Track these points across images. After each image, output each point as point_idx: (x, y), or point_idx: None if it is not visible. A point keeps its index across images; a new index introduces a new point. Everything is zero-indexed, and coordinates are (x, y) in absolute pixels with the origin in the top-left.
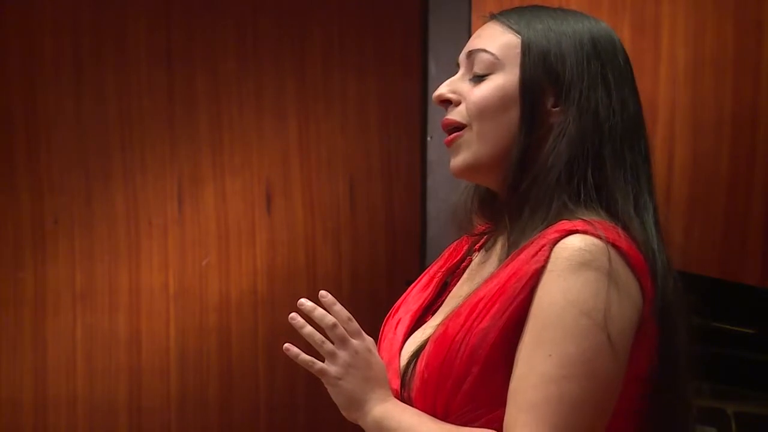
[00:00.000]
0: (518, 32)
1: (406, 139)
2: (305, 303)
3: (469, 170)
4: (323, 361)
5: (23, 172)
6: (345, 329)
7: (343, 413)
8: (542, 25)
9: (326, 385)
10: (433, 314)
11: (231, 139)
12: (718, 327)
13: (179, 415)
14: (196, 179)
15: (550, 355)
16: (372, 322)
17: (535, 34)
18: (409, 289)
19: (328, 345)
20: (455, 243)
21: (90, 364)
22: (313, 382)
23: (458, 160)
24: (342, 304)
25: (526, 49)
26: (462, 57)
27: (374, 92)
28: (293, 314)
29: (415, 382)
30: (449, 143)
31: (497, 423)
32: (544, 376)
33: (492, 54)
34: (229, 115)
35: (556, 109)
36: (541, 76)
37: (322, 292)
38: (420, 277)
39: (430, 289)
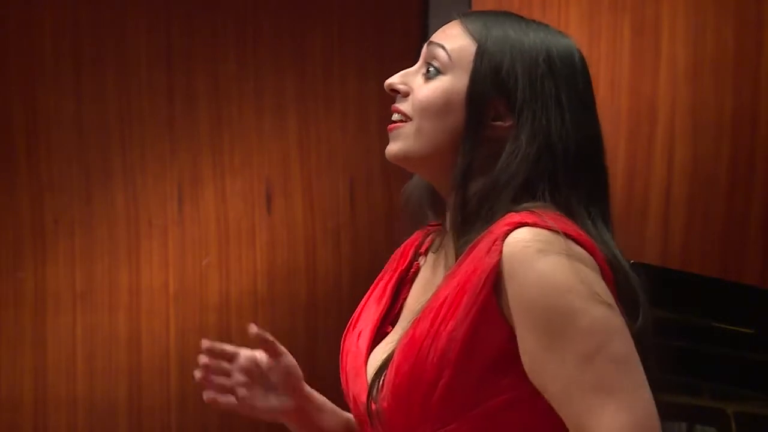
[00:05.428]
0: (476, 39)
1: None
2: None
3: (401, 160)
4: None
5: (23, 172)
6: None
7: None
8: (501, 36)
9: None
10: (391, 324)
11: (231, 139)
12: (718, 327)
13: (179, 415)
14: (196, 179)
15: (565, 359)
16: None
17: (491, 45)
18: (364, 300)
19: None
20: (401, 248)
21: (90, 364)
22: (313, 382)
23: (393, 148)
24: (342, 304)
25: (479, 59)
26: (424, 47)
27: (374, 92)
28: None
29: (386, 393)
30: (390, 131)
31: (474, 422)
32: (577, 379)
33: (447, 54)
34: (229, 115)
35: (501, 123)
36: (489, 88)
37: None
38: (372, 286)
39: (385, 298)
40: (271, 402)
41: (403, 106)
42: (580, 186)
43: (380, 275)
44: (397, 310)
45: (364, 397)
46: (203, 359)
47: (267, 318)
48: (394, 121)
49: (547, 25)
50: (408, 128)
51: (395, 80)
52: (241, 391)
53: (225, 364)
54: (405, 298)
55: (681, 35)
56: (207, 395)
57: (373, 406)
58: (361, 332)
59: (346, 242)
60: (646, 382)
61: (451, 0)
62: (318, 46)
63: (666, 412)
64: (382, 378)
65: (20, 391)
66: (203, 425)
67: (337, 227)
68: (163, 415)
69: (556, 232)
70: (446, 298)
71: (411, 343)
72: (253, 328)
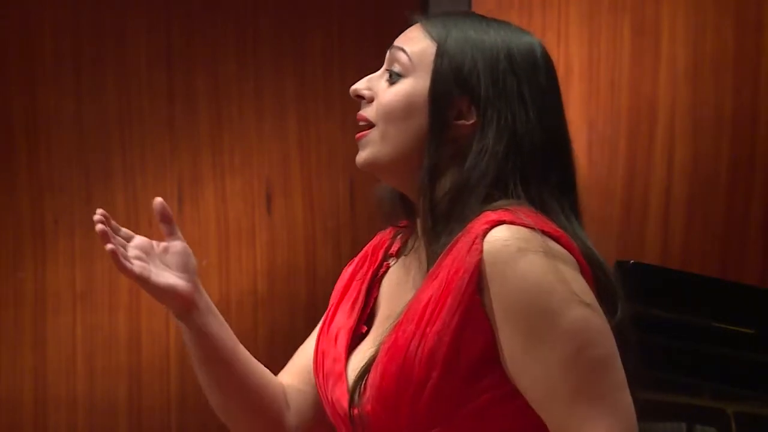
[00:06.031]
0: (435, 40)
1: None
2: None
3: (370, 166)
4: None
5: (23, 172)
6: None
7: None
8: (460, 36)
9: None
10: (366, 325)
11: (231, 139)
12: (718, 327)
13: (179, 415)
14: (196, 179)
15: (546, 362)
16: None
17: (451, 45)
18: (337, 300)
19: None
20: (369, 248)
21: (90, 364)
22: None
23: (362, 156)
24: None
25: (439, 60)
26: (388, 52)
27: None
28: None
29: (369, 397)
30: (358, 140)
31: (461, 422)
32: (558, 383)
33: (408, 56)
34: (229, 115)
35: (465, 122)
36: (451, 88)
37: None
38: (345, 285)
39: (360, 299)
40: (165, 278)
41: (367, 112)
42: (550, 181)
43: (350, 275)
44: (368, 311)
45: (345, 402)
46: (98, 217)
47: (267, 318)
48: (361, 129)
49: (509, 24)
50: (373, 134)
51: (360, 86)
52: (137, 263)
53: (121, 240)
54: (375, 298)
55: (681, 35)
56: (108, 246)
57: (356, 411)
58: (338, 334)
59: (346, 242)
60: (626, 385)
61: (451, 0)
62: (318, 46)
63: (666, 412)
64: (364, 381)
65: (20, 391)
66: (203, 425)
67: (337, 227)
68: (163, 415)
69: (533, 229)
70: (430, 299)
71: (396, 346)
72: (158, 199)
